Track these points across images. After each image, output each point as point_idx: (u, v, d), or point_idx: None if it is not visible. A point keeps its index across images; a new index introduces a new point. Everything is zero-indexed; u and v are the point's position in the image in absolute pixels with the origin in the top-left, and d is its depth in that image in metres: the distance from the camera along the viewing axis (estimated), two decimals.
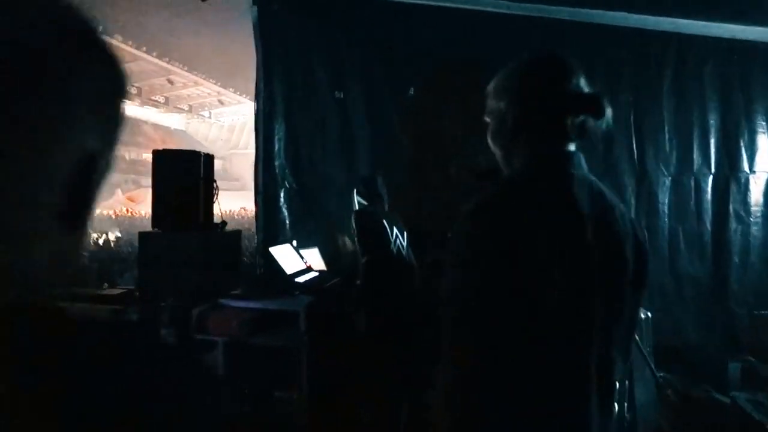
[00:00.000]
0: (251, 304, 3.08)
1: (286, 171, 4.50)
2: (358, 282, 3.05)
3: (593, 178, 1.15)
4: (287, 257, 3.56)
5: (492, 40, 3.58)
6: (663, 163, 4.24)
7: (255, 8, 4.46)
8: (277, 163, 4.49)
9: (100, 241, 13.22)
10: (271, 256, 3.41)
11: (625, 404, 3.17)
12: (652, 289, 3.80)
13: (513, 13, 4.10)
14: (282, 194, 4.49)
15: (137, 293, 4.53)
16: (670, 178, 4.23)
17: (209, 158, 4.95)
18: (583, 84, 1.14)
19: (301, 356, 2.88)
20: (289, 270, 3.42)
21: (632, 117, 4.26)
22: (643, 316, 3.34)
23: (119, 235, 12.87)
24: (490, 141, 1.22)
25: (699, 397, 3.45)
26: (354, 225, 3.07)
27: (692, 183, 4.19)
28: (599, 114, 1.12)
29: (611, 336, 1.08)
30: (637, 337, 3.11)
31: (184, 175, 4.62)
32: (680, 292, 4.04)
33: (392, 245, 3.10)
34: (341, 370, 2.87)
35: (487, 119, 1.22)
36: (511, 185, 1.14)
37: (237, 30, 4.57)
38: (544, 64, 1.17)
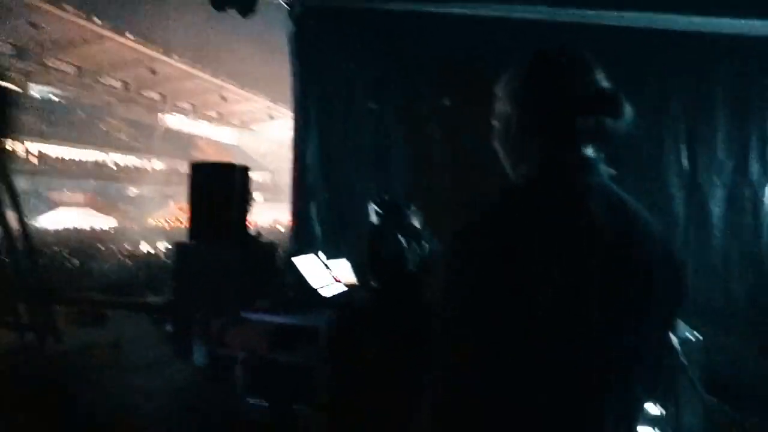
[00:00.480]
0: (272, 318, 3.03)
1: (319, 183, 4.49)
2: (365, 313, 2.87)
3: (615, 187, 1.02)
4: (313, 269, 3.50)
5: (534, 49, 3.43)
6: (716, 173, 3.93)
7: (290, 22, 4.50)
8: (309, 175, 4.48)
9: (152, 252, 13.76)
10: (296, 267, 3.35)
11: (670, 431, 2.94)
12: (703, 309, 3.50)
13: (554, 20, 3.94)
14: (315, 206, 4.47)
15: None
16: (724, 188, 3.92)
17: (244, 170, 5.02)
18: (599, 81, 1.02)
19: (322, 373, 2.80)
20: (314, 282, 3.35)
21: (682, 124, 3.99)
22: (692, 338, 3.10)
23: (168, 245, 13.32)
24: (496, 146, 1.13)
25: (753, 426, 3.15)
26: (366, 244, 2.88)
27: (750, 194, 3.87)
28: (615, 113, 0.99)
29: (627, 355, 0.96)
30: (684, 361, 2.87)
31: (218, 187, 4.72)
32: (735, 313, 3.71)
33: (408, 264, 2.89)
34: (363, 388, 2.76)
35: (494, 123, 1.13)
36: (515, 192, 1.05)
37: (285, 45, 4.63)
38: (549, 59, 1.06)
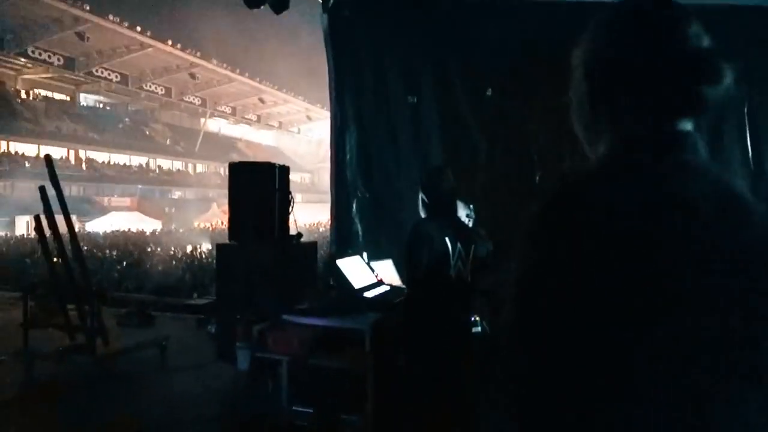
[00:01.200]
0: (315, 321, 2.94)
1: (358, 180, 4.38)
2: (400, 319, 2.67)
3: (717, 169, 0.82)
4: (356, 270, 3.40)
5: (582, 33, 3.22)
6: None
7: (325, 16, 4.41)
8: (348, 173, 4.38)
9: (196, 253, 14.03)
10: (339, 268, 3.25)
11: None
12: None
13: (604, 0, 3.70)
14: (354, 204, 4.38)
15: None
16: None
17: (284, 170, 4.96)
18: (695, 38, 0.84)
19: (367, 377, 2.70)
20: (357, 284, 3.25)
21: (746, 108, 3.69)
22: None
23: (209, 247, 13.55)
24: (573, 122, 0.97)
25: None
26: (406, 246, 2.58)
27: None
28: (714, 79, 0.81)
29: (746, 382, 0.76)
30: None
31: (258, 187, 4.67)
32: None
33: (450, 269, 2.58)
34: (410, 393, 2.63)
35: (571, 96, 0.97)
36: (592, 176, 0.87)
37: (320, 44, 4.54)
38: (634, 13, 0.88)
